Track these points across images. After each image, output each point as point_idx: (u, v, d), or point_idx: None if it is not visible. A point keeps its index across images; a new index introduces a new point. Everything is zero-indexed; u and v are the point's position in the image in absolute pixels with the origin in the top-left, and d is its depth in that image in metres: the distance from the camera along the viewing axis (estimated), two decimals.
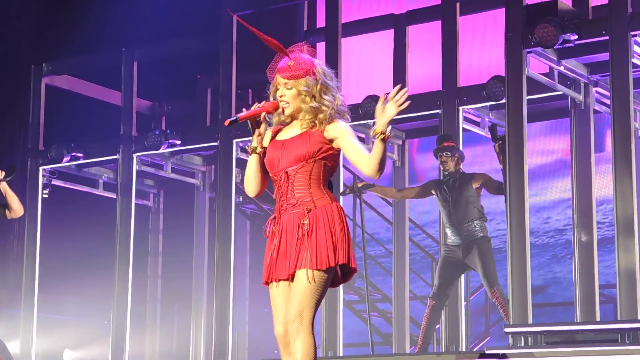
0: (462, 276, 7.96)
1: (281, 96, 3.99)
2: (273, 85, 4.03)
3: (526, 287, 7.01)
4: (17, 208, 7.55)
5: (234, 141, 9.18)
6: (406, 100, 3.98)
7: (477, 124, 8.68)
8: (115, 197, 9.88)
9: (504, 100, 7.56)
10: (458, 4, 8.27)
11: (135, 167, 9.77)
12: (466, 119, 8.45)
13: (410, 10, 9.45)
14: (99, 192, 10.52)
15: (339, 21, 8.78)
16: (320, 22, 9.99)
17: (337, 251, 3.85)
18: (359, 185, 8.12)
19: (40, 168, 10.03)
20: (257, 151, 4.01)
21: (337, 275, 3.93)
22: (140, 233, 10.24)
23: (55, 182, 10.17)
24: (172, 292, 11.02)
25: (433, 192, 7.88)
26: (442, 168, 7.83)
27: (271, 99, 4.05)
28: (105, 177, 10.49)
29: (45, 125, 10.14)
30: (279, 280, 3.91)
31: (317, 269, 3.82)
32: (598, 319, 7.60)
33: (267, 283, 3.98)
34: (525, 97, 7.32)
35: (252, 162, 4.03)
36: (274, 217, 3.96)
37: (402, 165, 9.44)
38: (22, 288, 9.96)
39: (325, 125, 3.98)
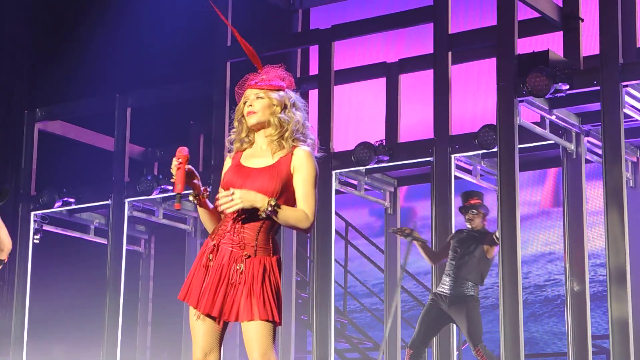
0: (454, 326, 7.91)
1: (250, 105, 3.84)
2: (240, 103, 3.88)
3: (519, 338, 6.97)
4: (4, 238, 6.01)
5: None
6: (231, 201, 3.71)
7: (469, 172, 8.70)
8: (106, 242, 9.85)
9: (495, 149, 7.59)
10: (450, 53, 8.33)
11: (126, 213, 9.75)
12: (458, 167, 8.47)
13: (402, 59, 9.52)
14: (90, 237, 10.51)
15: (331, 69, 8.82)
16: (313, 69, 10.05)
17: (267, 306, 3.73)
18: (416, 235, 7.91)
19: (32, 213, 10.02)
20: (203, 197, 3.82)
21: None
22: (130, 279, 10.19)
23: (46, 227, 10.15)
24: (162, 339, 10.95)
25: (453, 238, 7.77)
26: (469, 225, 7.74)
27: (235, 122, 3.91)
28: (97, 223, 10.48)
29: (38, 171, 10.14)
30: (202, 312, 3.79)
31: (262, 320, 3.73)
32: None
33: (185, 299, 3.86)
34: (517, 146, 7.34)
35: (202, 211, 3.87)
36: (215, 245, 3.80)
37: (394, 213, 9.43)
38: (11, 334, 9.89)
39: (293, 149, 3.82)
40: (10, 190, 6.38)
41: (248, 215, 3.77)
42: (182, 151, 3.80)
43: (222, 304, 3.78)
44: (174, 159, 3.78)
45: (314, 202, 3.80)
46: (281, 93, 3.87)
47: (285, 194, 3.80)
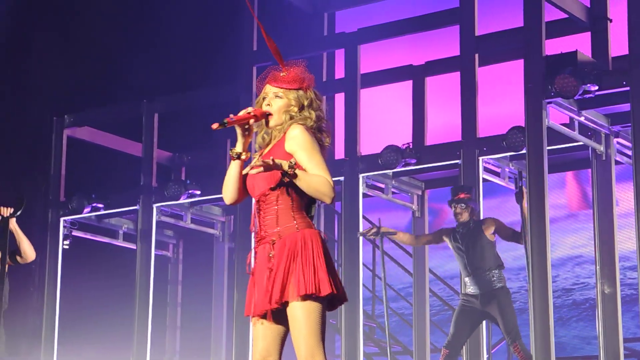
0: (484, 329, 7.88)
1: (268, 105, 3.86)
2: (260, 97, 3.91)
3: (549, 342, 6.93)
4: (27, 250, 6.74)
5: None
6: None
7: (497, 174, 8.66)
8: (135, 247, 9.89)
9: (524, 151, 7.55)
10: (477, 55, 8.30)
11: (155, 218, 9.78)
12: (486, 170, 8.44)
13: (429, 61, 9.49)
14: (119, 242, 10.56)
15: (358, 72, 8.82)
16: (340, 73, 10.05)
17: (281, 287, 3.67)
18: (383, 230, 8.02)
19: (61, 219, 10.07)
20: (242, 157, 3.84)
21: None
22: (159, 283, 10.22)
23: (75, 233, 10.21)
24: (191, 343, 10.97)
25: (446, 239, 7.86)
26: (457, 219, 7.81)
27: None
28: (125, 228, 10.52)
29: (67, 177, 10.20)
30: (255, 315, 3.80)
31: (299, 300, 3.66)
32: None
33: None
34: (546, 148, 7.30)
35: (233, 167, 3.86)
36: (254, 251, 3.84)
37: (422, 216, 9.40)
38: (41, 338, 9.95)
39: (287, 129, 3.81)
40: (25, 200, 6.49)
41: (264, 204, 3.77)
42: (261, 111, 3.84)
43: (263, 299, 3.75)
44: (252, 108, 3.84)
45: (327, 169, 3.76)
46: (300, 93, 3.87)
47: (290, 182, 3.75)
